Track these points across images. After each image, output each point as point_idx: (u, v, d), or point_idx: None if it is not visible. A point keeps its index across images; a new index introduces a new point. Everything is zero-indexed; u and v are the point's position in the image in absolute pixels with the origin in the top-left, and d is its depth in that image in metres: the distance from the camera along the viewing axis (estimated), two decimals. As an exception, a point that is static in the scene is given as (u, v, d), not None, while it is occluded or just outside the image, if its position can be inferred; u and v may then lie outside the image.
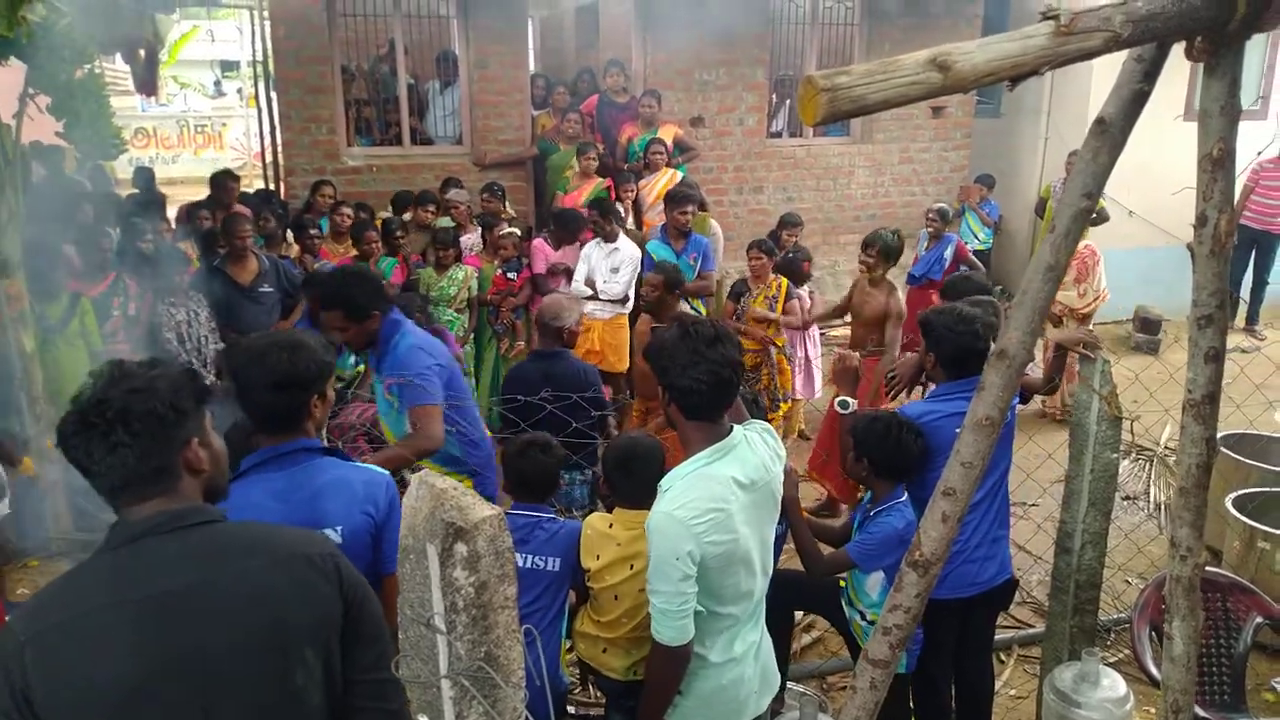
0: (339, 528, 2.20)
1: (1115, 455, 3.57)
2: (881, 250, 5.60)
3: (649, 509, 2.92)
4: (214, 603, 1.50)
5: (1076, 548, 3.60)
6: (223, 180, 7.34)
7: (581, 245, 6.70)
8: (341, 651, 1.59)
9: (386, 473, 2.40)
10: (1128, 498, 5.99)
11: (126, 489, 1.54)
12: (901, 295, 5.95)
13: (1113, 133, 1.90)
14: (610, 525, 2.93)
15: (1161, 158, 6.47)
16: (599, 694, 3.57)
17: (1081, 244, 6.85)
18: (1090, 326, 6.96)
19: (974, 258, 7.61)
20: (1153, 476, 6.27)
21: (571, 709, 3.72)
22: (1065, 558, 3.65)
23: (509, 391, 4.23)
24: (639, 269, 6.43)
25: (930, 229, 7.36)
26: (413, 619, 1.40)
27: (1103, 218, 8.66)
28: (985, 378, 1.98)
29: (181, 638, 1.47)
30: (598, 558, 2.90)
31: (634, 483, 2.93)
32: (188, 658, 1.46)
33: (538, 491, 3.05)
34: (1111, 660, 4.25)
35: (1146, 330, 9.16)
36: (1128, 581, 4.88)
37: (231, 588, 1.52)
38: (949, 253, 7.19)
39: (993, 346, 2.09)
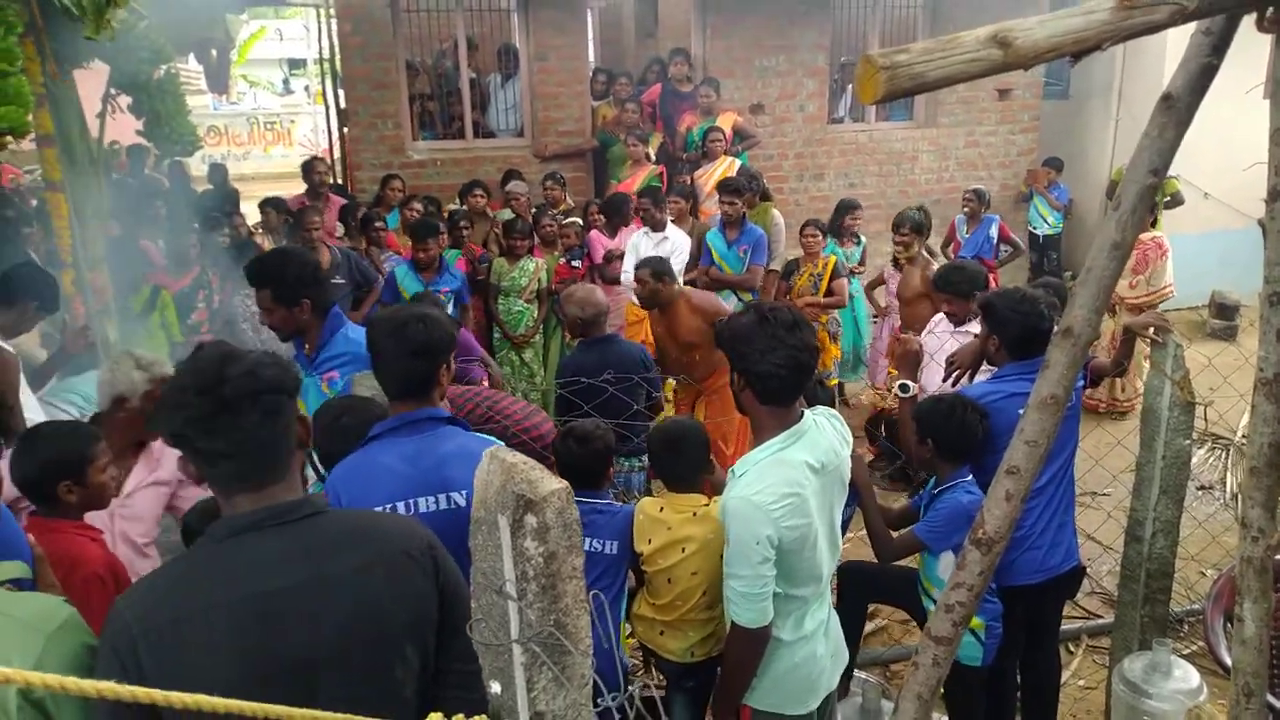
0: (463, 492, 2.27)
1: (1188, 442, 3.50)
2: (913, 228, 5.66)
3: (697, 491, 2.97)
4: (319, 602, 1.51)
5: (1148, 536, 3.54)
6: (310, 164, 7.60)
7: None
8: (435, 642, 1.62)
9: (502, 444, 2.47)
10: (1203, 487, 5.85)
11: (254, 474, 1.53)
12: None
13: (1179, 108, 1.87)
14: (661, 509, 2.96)
15: (1241, 137, 6.24)
16: (661, 676, 3.62)
17: (1150, 235, 6.70)
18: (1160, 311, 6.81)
19: (1015, 237, 7.62)
20: (1229, 465, 6.10)
21: (634, 689, 3.77)
22: (1136, 546, 3.59)
23: (567, 385, 4.25)
24: (686, 258, 6.44)
25: (967, 209, 7.34)
26: (485, 586, 1.46)
27: (1177, 201, 8.43)
28: (1050, 356, 1.97)
29: (287, 639, 1.49)
30: (649, 541, 2.94)
31: (681, 465, 2.97)
32: (293, 658, 1.49)
33: (584, 480, 3.02)
34: (1184, 652, 4.16)
35: (1223, 316, 8.90)
36: (1202, 573, 4.76)
37: (335, 586, 1.53)
38: (994, 231, 7.21)
39: (1057, 325, 2.07)
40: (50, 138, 4.77)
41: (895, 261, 6.68)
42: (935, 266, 5.67)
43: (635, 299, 6.47)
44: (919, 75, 1.46)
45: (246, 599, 1.47)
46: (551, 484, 1.43)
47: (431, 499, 2.28)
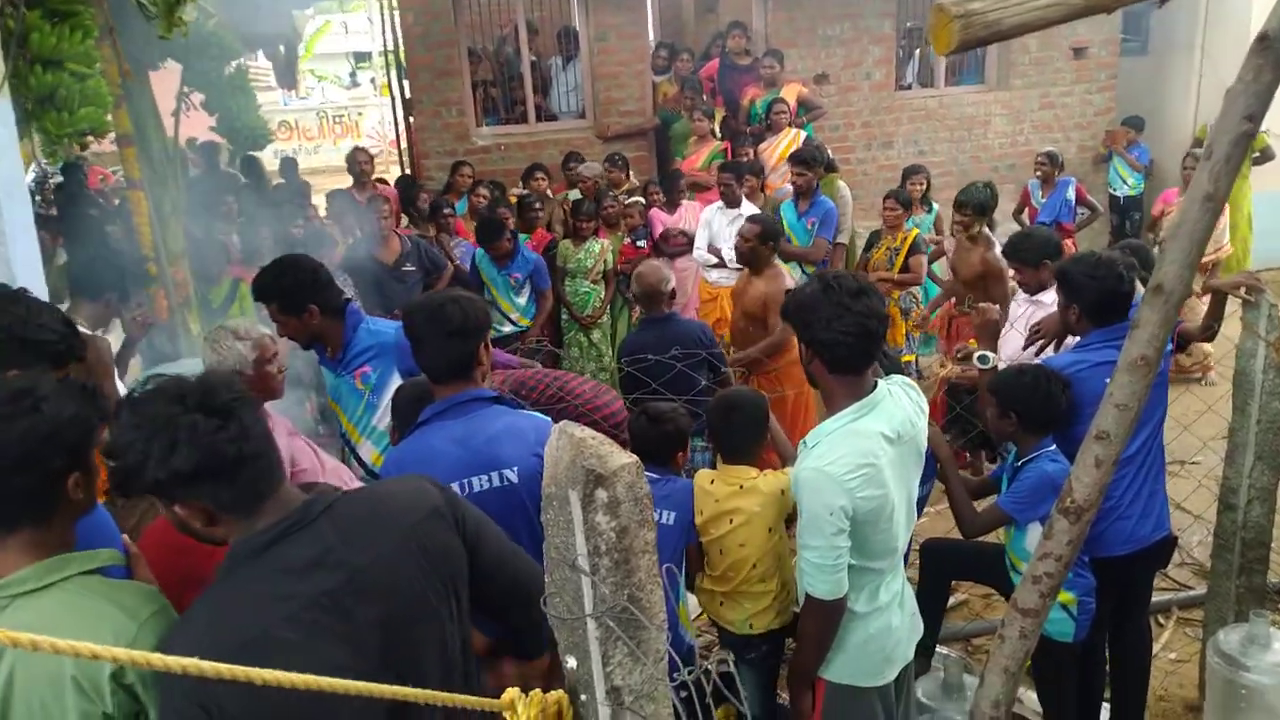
0: (514, 468, 2.35)
1: (1285, 405, 3.34)
2: (975, 208, 5.44)
3: (750, 464, 2.99)
4: (368, 589, 1.52)
5: (1242, 504, 3.40)
6: (351, 155, 7.59)
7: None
8: (471, 579, 1.69)
9: (550, 419, 2.51)
10: (1301, 454, 5.58)
11: (267, 479, 1.53)
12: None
13: (1276, 49, 1.76)
14: (712, 481, 3.02)
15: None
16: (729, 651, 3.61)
17: None
18: (1254, 269, 6.50)
19: (1092, 199, 7.39)
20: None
21: (709, 664, 3.76)
22: (1230, 514, 3.45)
23: (632, 363, 4.25)
24: None
25: (1040, 173, 7.13)
26: (558, 561, 1.45)
27: (1267, 156, 8.05)
28: (1140, 314, 1.88)
29: (349, 635, 1.50)
30: (701, 513, 3.01)
31: (736, 435, 3.00)
32: (359, 650, 1.50)
33: (653, 457, 3.02)
34: (1284, 625, 3.99)
35: (1320, 276, 8.48)
36: (1303, 542, 4.55)
37: (377, 568, 1.55)
38: (1070, 194, 7.01)
39: (1149, 281, 1.97)
40: (129, 137, 4.93)
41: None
42: (997, 248, 5.48)
43: (707, 276, 6.47)
44: (994, 23, 1.39)
45: (304, 608, 1.47)
46: (621, 458, 1.41)
47: (484, 477, 2.33)
